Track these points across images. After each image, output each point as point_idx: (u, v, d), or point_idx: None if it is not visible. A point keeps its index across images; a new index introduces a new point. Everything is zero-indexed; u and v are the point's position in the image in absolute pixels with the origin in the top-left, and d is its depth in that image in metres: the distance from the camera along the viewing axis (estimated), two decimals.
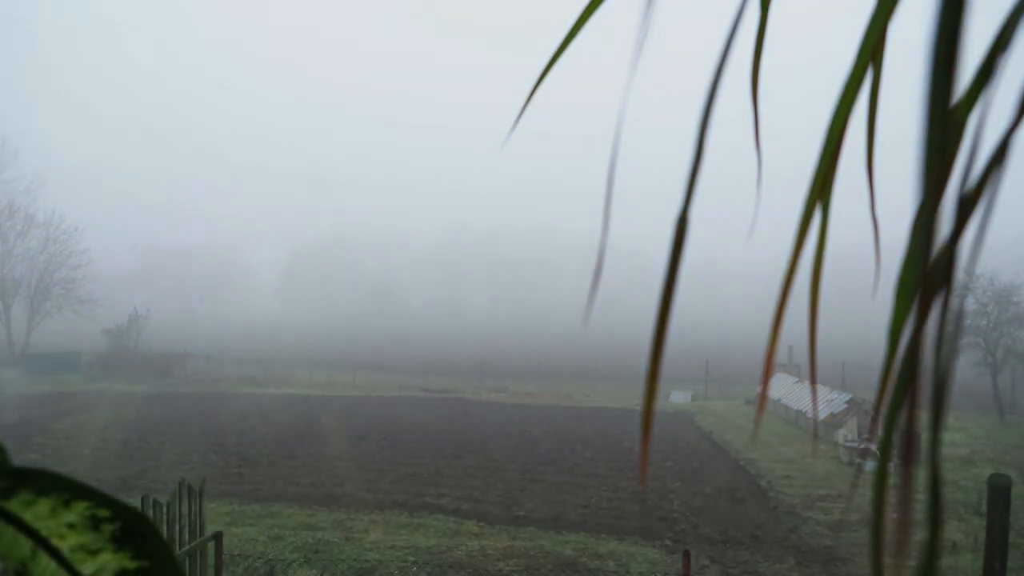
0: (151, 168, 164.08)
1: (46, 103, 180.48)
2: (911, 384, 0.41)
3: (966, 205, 0.40)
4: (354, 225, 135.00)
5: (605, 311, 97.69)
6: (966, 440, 18.38)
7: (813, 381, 0.57)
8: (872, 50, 0.52)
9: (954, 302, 0.41)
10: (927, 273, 0.40)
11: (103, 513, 0.45)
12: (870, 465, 16.15)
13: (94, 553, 0.45)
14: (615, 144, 0.58)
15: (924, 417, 0.47)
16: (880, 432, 0.46)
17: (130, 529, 0.45)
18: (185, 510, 7.04)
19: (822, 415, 20.29)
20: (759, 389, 24.89)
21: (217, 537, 7.43)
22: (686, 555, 7.81)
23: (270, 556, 10.15)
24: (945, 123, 0.38)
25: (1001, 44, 0.41)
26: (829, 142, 0.52)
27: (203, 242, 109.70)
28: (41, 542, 0.45)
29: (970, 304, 24.00)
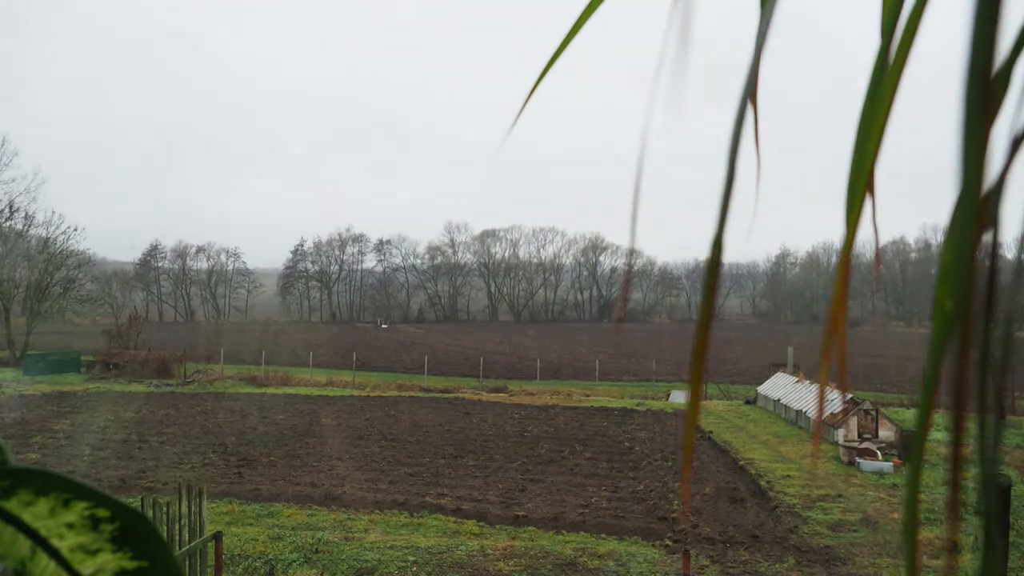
0: (151, 168, 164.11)
1: (46, 100, 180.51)
2: (962, 358, 0.40)
3: (1016, 143, 0.38)
4: (354, 224, 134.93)
5: (604, 309, 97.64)
6: (965, 440, 18.37)
7: (844, 396, 0.54)
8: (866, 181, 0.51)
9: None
10: (980, 206, 0.38)
11: (102, 513, 0.45)
12: (867, 465, 16.15)
13: (93, 553, 0.45)
14: (640, 160, 0.57)
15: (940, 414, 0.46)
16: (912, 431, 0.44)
17: (129, 529, 0.45)
18: (185, 510, 7.05)
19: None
20: (759, 389, 24.47)
21: (217, 537, 7.44)
22: (686, 555, 7.82)
23: (270, 556, 10.15)
24: (986, 92, 0.37)
25: None
26: (845, 250, 0.51)
27: (203, 242, 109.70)
28: (40, 542, 0.45)
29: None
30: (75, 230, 44.91)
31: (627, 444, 18.85)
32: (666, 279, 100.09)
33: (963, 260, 0.40)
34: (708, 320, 0.48)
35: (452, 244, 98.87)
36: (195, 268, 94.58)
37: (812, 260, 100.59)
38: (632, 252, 0.61)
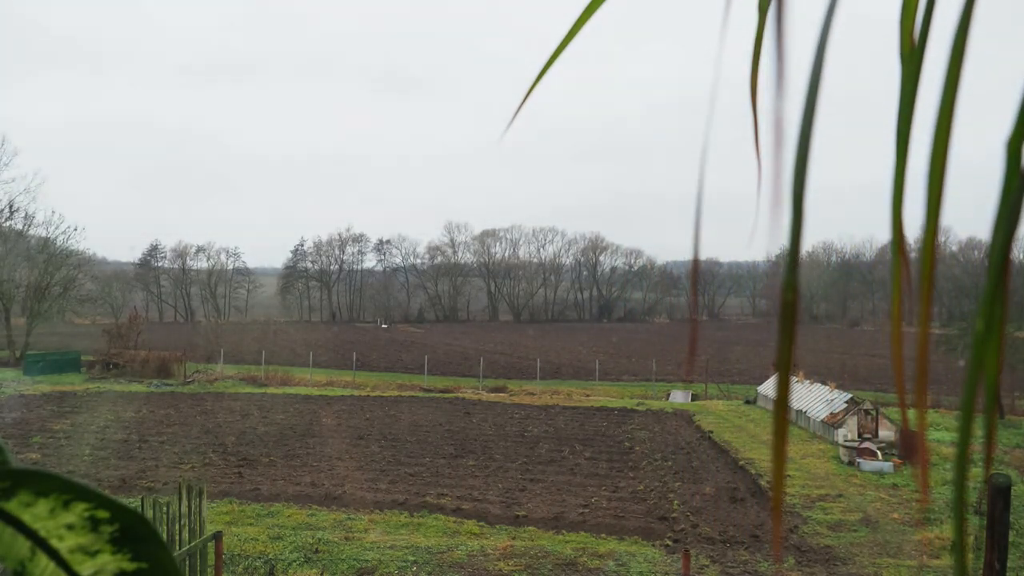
0: (152, 167, 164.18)
1: (47, 101, 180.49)
2: None
3: None
4: (352, 223, 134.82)
5: (604, 309, 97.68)
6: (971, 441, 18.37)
7: (918, 417, 0.48)
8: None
9: None
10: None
11: (102, 514, 0.45)
12: (867, 465, 16.15)
13: (93, 554, 0.45)
14: (703, 160, 0.56)
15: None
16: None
17: (129, 530, 0.45)
18: (185, 510, 7.05)
19: (821, 415, 20.28)
20: (758, 389, 24.44)
21: (217, 537, 7.44)
22: (686, 555, 7.82)
23: (270, 556, 10.15)
24: None
25: None
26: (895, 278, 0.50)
27: (203, 242, 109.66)
28: (40, 543, 0.45)
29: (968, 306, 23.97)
30: (75, 230, 44.91)
31: (627, 444, 18.86)
32: (666, 279, 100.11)
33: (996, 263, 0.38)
34: (787, 368, 0.46)
35: (452, 244, 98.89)
36: (195, 268, 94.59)
37: (812, 260, 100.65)
38: (696, 260, 0.60)
